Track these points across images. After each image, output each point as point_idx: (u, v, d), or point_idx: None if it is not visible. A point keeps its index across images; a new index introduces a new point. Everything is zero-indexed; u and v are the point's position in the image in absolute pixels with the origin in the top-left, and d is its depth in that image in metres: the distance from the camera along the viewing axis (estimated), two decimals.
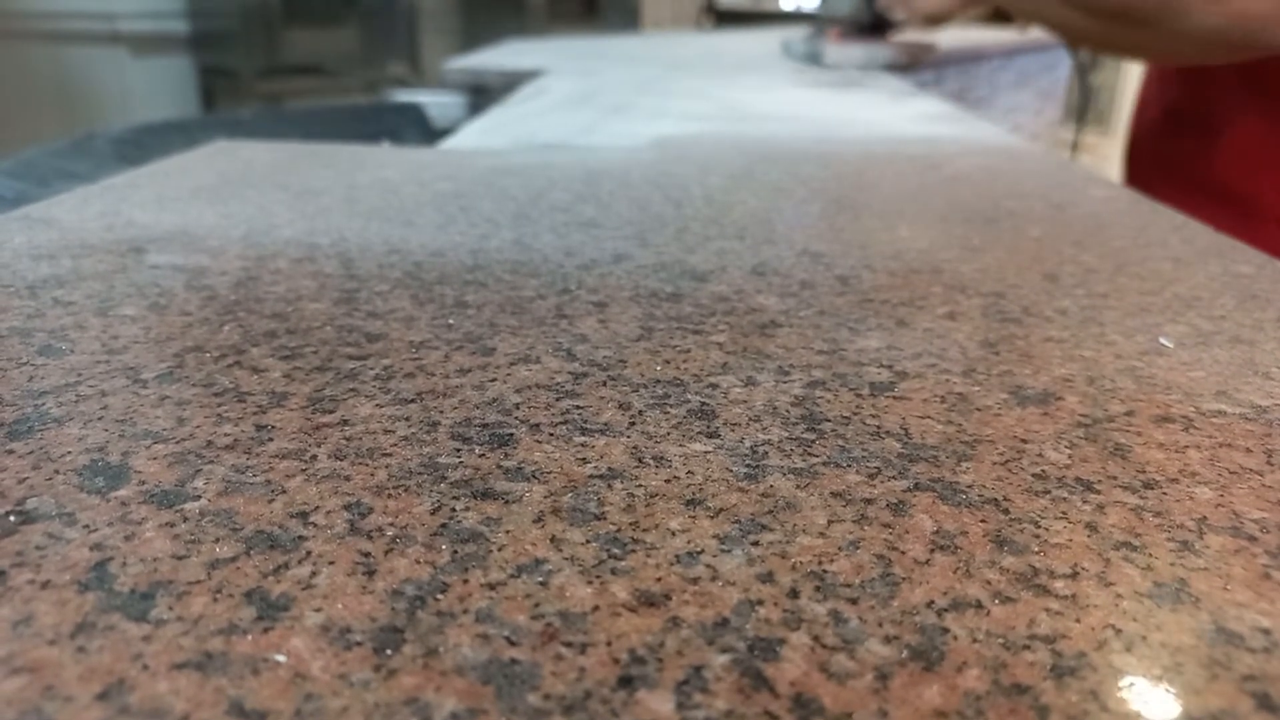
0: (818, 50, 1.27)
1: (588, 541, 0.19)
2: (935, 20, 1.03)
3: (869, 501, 0.21)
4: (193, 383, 0.26)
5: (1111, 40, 0.75)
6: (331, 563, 0.18)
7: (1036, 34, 1.26)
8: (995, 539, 0.19)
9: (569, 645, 0.16)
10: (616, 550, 0.19)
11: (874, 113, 0.86)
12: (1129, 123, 0.90)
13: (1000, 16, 1.08)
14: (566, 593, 0.17)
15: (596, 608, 0.17)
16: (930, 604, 0.17)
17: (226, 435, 0.23)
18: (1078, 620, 0.17)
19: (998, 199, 0.51)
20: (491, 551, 0.18)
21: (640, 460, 0.22)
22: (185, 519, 0.19)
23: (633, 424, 0.24)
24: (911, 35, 1.30)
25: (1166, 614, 0.17)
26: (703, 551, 0.19)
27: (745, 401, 0.26)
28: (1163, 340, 0.30)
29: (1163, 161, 0.81)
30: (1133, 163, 0.88)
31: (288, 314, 0.31)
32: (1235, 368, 0.29)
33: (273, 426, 0.23)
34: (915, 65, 1.27)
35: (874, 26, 1.27)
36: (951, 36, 1.31)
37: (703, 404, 0.25)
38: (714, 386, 0.26)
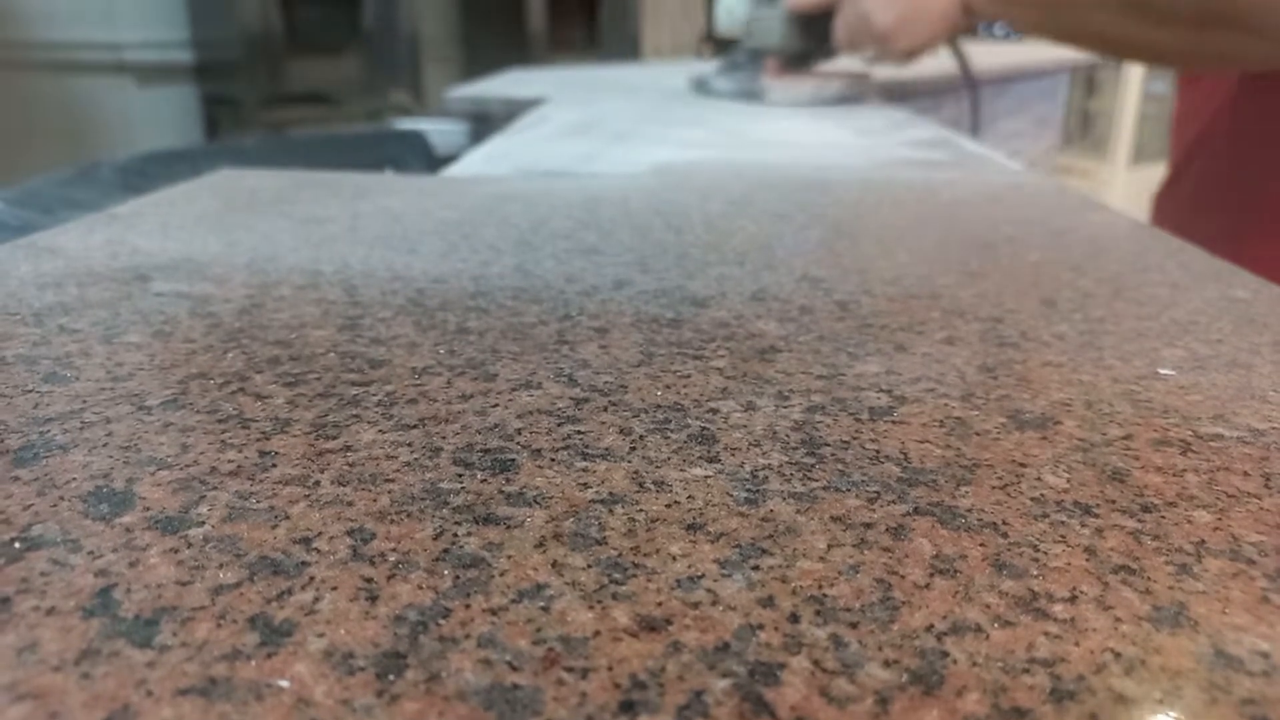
0: (755, 87, 1.13)
1: (589, 566, 0.19)
2: (913, 55, 0.96)
3: (869, 526, 0.21)
4: (197, 409, 0.26)
5: (1195, 51, 0.65)
6: (334, 588, 0.18)
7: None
8: (994, 563, 0.19)
9: (570, 670, 0.16)
10: (617, 575, 0.19)
11: (872, 140, 0.87)
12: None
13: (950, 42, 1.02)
14: (568, 618, 0.17)
15: (598, 633, 0.17)
16: (930, 628, 0.17)
17: (230, 461, 0.23)
18: (1077, 644, 0.17)
19: (996, 224, 0.52)
20: (493, 577, 0.19)
21: (641, 485, 0.22)
22: (189, 545, 0.19)
23: (633, 449, 0.24)
24: (843, 65, 1.18)
25: (1165, 637, 0.17)
26: (703, 576, 0.19)
27: (745, 426, 0.26)
28: (1162, 371, 0.31)
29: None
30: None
31: (291, 341, 0.32)
32: (1232, 391, 0.29)
33: (276, 453, 0.24)
34: (859, 97, 1.17)
35: (803, 57, 1.13)
36: (947, 64, 1.28)
37: (703, 429, 0.26)
38: (714, 411, 0.27)
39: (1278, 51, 0.60)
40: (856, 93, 1.17)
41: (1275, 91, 0.71)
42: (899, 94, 1.32)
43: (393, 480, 0.22)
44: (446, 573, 0.19)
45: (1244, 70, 0.71)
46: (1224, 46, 0.62)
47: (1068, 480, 0.23)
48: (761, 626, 0.17)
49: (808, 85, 1.14)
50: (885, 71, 1.22)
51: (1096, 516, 0.21)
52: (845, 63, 1.16)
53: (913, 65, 1.01)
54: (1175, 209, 0.81)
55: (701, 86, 1.23)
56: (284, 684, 0.15)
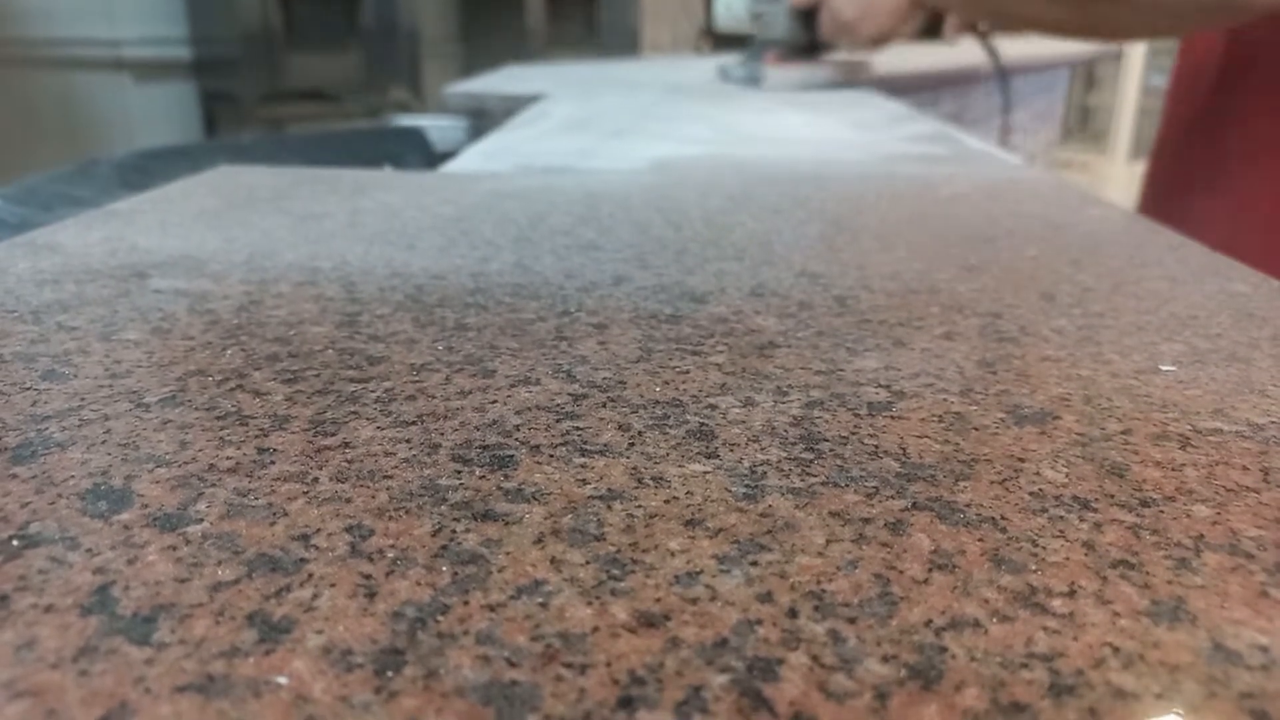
0: (756, 74, 1.28)
1: (587, 562, 0.19)
2: (878, 42, 1.08)
3: (867, 521, 0.21)
4: (195, 406, 0.26)
5: (1085, 23, 0.76)
6: (333, 585, 0.18)
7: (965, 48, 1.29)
8: (993, 558, 0.19)
9: (569, 666, 0.16)
10: (616, 571, 0.19)
11: (871, 135, 0.87)
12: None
13: (931, 32, 1.16)
14: (566, 614, 0.17)
15: (596, 629, 0.17)
16: (928, 623, 0.17)
17: (229, 458, 0.23)
18: (1075, 639, 0.17)
19: (994, 219, 0.52)
20: (492, 573, 0.19)
21: (640, 481, 0.22)
22: (188, 542, 0.19)
23: (632, 445, 0.24)
24: (846, 55, 1.31)
25: (1164, 632, 0.17)
26: (702, 572, 0.19)
27: (744, 422, 0.26)
28: (1163, 367, 0.31)
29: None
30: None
31: (290, 338, 0.32)
32: (1231, 386, 0.29)
33: (275, 449, 0.24)
34: (854, 83, 1.29)
35: (809, 48, 1.27)
36: (946, 58, 1.29)
37: (701, 424, 0.25)
38: (713, 407, 0.27)
39: (1148, 20, 0.71)
40: (848, 80, 1.30)
41: (1261, 44, 0.75)
42: (897, 86, 1.33)
43: (391, 477, 0.22)
44: (445, 569, 0.19)
45: (1127, 40, 0.82)
46: (1106, 17, 0.73)
47: (1066, 475, 0.23)
48: (760, 622, 0.17)
49: (799, 72, 1.27)
50: (886, 62, 1.37)
51: (1095, 511, 0.21)
52: (849, 55, 1.30)
53: (880, 52, 1.17)
54: (1163, 169, 0.85)
55: (723, 73, 1.39)
56: (282, 681, 0.15)
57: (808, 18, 1.21)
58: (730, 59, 1.43)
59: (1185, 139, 0.80)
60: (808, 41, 1.25)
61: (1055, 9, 0.74)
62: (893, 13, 1.04)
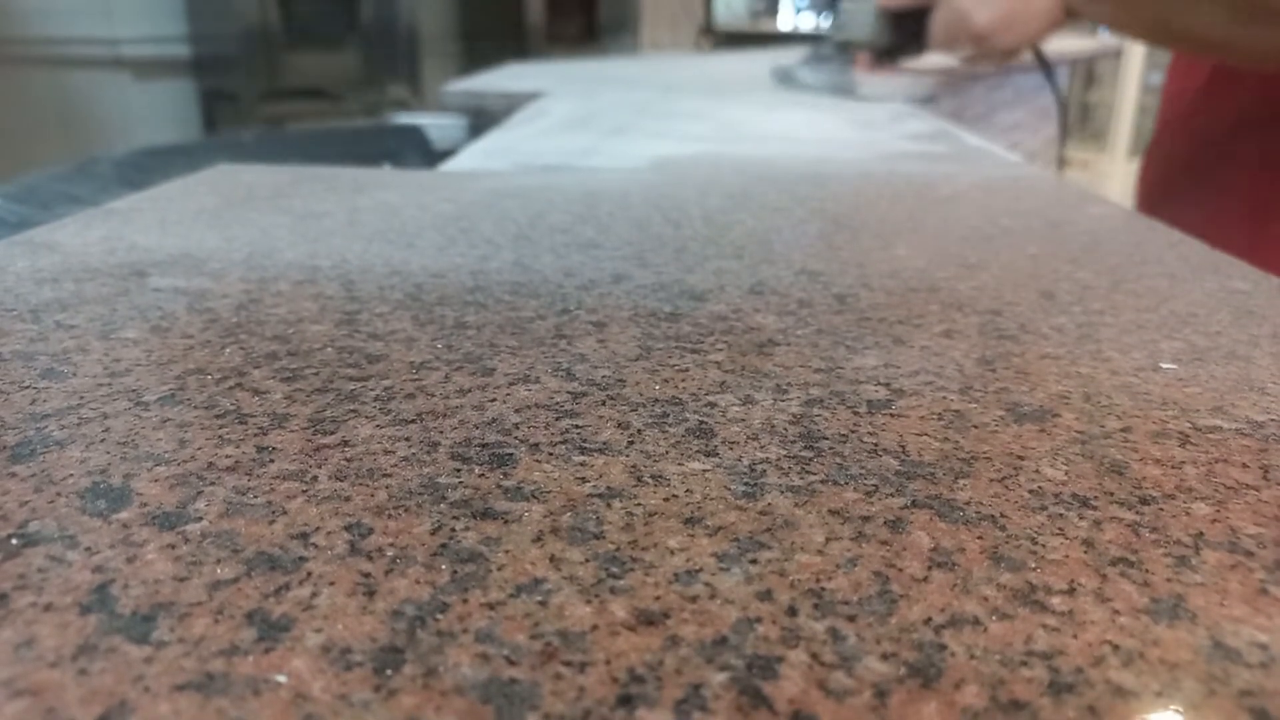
0: (845, 81, 1.12)
1: (587, 561, 0.19)
2: (1012, 54, 0.96)
3: (867, 519, 0.21)
4: (194, 405, 0.26)
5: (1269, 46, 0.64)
6: (332, 583, 0.18)
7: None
8: (992, 556, 0.19)
9: (568, 664, 0.16)
10: (615, 569, 0.19)
11: (871, 133, 0.87)
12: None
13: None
14: (566, 612, 0.17)
15: (596, 627, 0.17)
16: (928, 621, 0.17)
17: (228, 457, 0.23)
18: (1075, 636, 0.17)
19: (994, 217, 0.52)
20: (491, 571, 0.19)
21: (639, 479, 0.22)
22: (186, 540, 0.19)
23: (631, 443, 0.24)
24: (931, 62, 1.17)
25: (1163, 630, 0.17)
26: (701, 570, 0.19)
27: (743, 420, 0.26)
28: (1164, 365, 0.31)
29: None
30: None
31: (289, 336, 0.31)
32: (1231, 383, 0.29)
33: (274, 448, 0.24)
34: (942, 95, 1.15)
35: (891, 52, 1.11)
36: (944, 56, 1.27)
37: (701, 423, 0.25)
38: (712, 405, 0.27)
39: None
40: (944, 90, 1.15)
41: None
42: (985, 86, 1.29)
43: (390, 475, 0.22)
44: (444, 567, 0.19)
45: None
46: None
47: (1066, 473, 0.23)
48: (759, 620, 0.17)
49: (901, 81, 1.12)
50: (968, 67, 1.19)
51: (1095, 509, 0.21)
52: (933, 59, 1.14)
53: (1006, 64, 1.00)
54: (1156, 166, 0.83)
55: (786, 78, 1.21)
56: (281, 679, 0.15)
57: (899, 20, 1.06)
58: (791, 59, 1.23)
59: (1178, 135, 0.80)
60: (892, 45, 1.10)
61: (1262, 33, 0.62)
62: (1039, 22, 0.89)
